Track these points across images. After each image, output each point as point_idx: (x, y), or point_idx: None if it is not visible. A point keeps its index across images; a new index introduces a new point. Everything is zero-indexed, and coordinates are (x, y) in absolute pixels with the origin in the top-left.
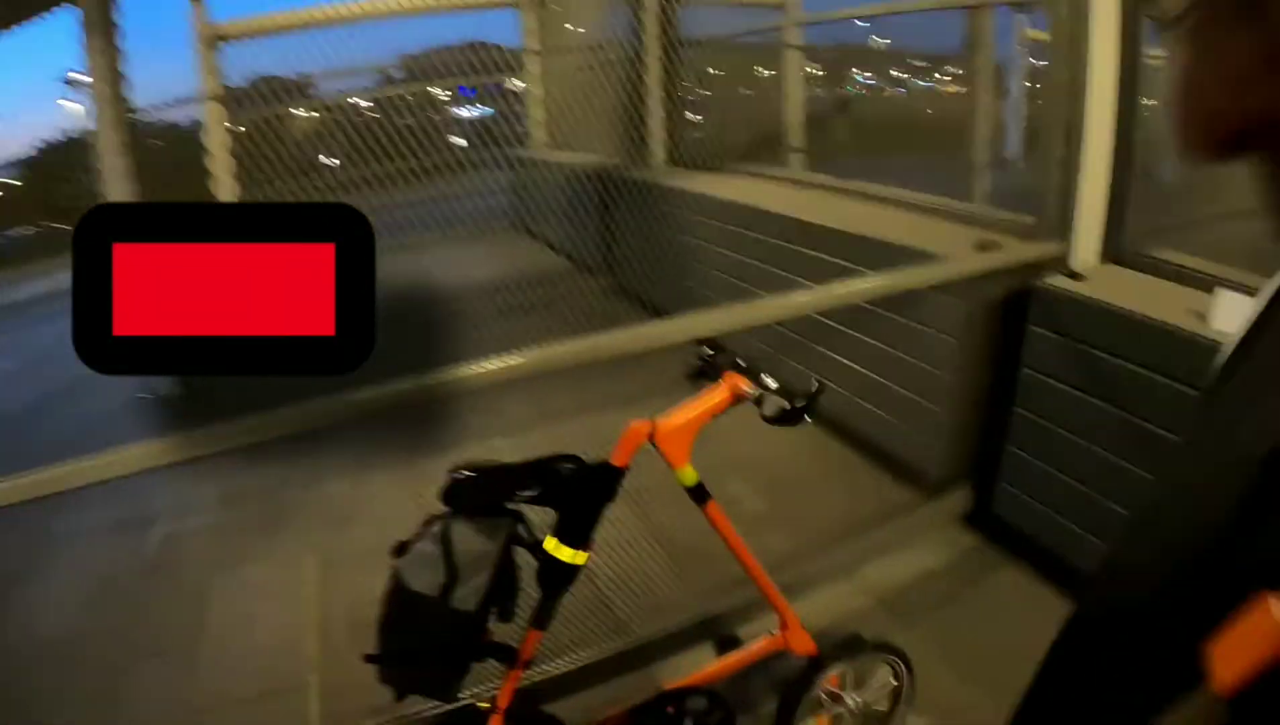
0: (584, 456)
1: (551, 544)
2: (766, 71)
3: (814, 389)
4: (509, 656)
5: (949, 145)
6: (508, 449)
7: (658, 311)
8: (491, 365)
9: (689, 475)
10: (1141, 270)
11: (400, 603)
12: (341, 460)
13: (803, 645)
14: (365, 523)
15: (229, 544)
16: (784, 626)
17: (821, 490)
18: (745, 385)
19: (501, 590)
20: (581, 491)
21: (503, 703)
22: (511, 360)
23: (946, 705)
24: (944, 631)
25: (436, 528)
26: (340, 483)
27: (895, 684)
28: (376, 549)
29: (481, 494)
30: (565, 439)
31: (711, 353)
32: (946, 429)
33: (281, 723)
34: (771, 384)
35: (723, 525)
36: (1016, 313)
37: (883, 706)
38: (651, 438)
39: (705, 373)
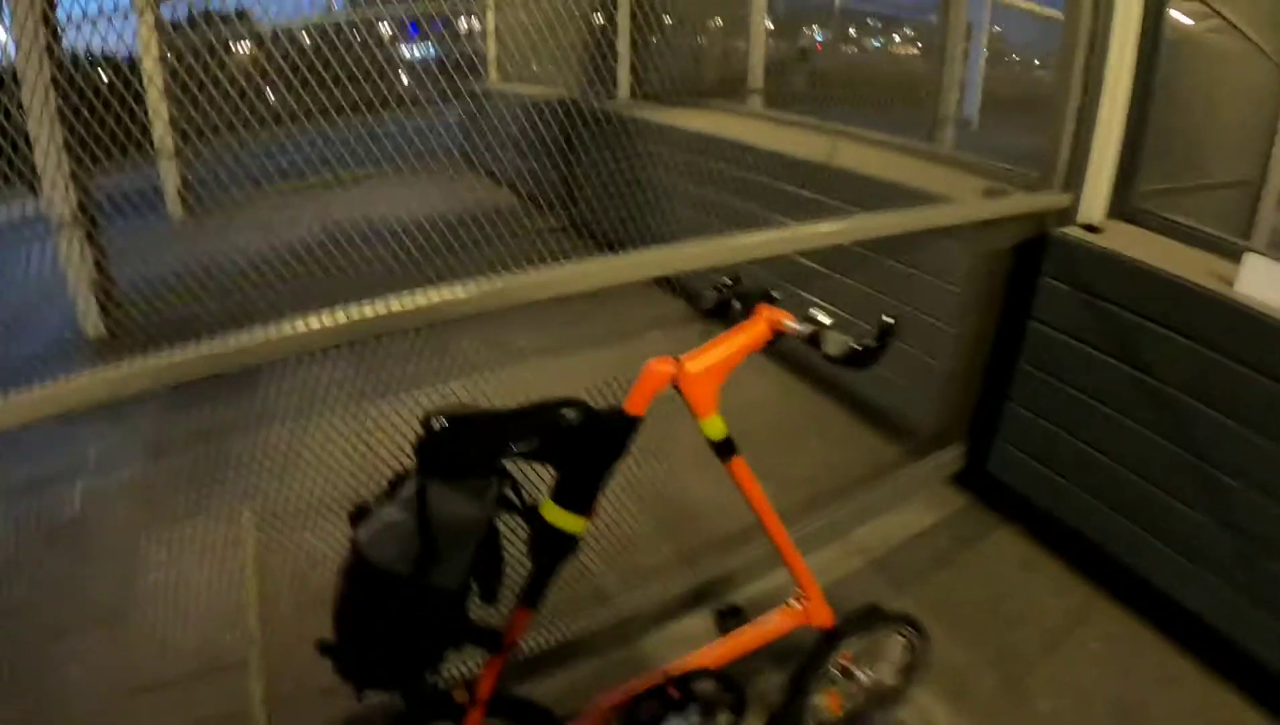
0: (591, 402)
1: (549, 508)
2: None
3: (887, 325)
4: (493, 641)
5: (905, 101)
6: (464, 392)
7: (618, 250)
8: (435, 297)
9: (716, 426)
10: (1150, 229)
11: (363, 581)
12: (280, 404)
13: (823, 619)
14: (307, 473)
15: (156, 501)
16: (805, 599)
17: (801, 444)
18: (788, 320)
19: (487, 564)
20: (589, 445)
21: (483, 693)
22: (458, 292)
23: (947, 672)
24: (939, 596)
25: (408, 490)
26: (279, 429)
27: (908, 657)
28: (321, 502)
29: (467, 448)
30: (528, 382)
31: (730, 283)
32: (942, 383)
33: (219, 707)
34: (826, 319)
35: (749, 485)
36: (1025, 264)
37: (891, 680)
38: (675, 381)
39: (724, 308)
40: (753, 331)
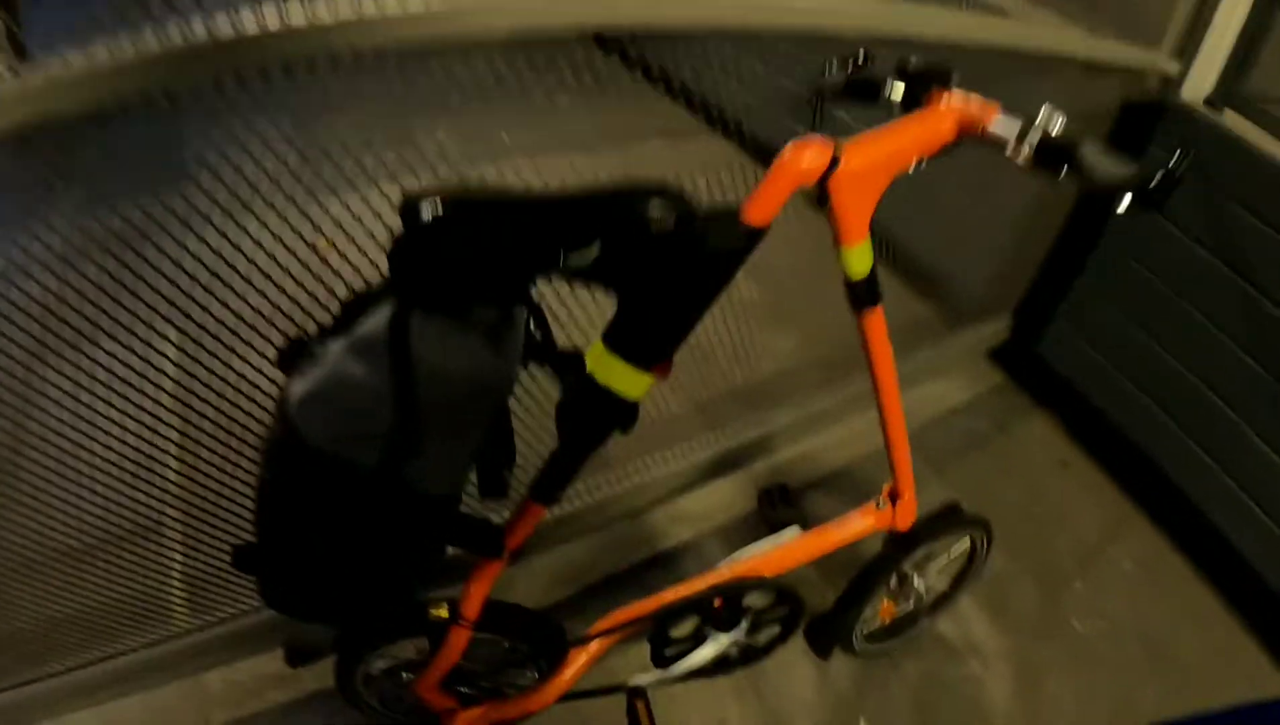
0: (687, 195)
1: (601, 358)
2: None
3: (1182, 155)
4: (491, 544)
5: None
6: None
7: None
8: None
9: (862, 257)
10: (1258, 124)
11: (295, 469)
12: (210, 196)
13: (907, 522)
14: (239, 282)
15: (57, 324)
16: (895, 497)
17: (827, 295)
18: (997, 115)
19: (495, 444)
20: (682, 263)
21: (471, 609)
22: None
23: (987, 579)
24: (975, 486)
25: (373, 324)
26: (207, 228)
27: (965, 563)
28: (256, 317)
29: (478, 256)
30: (512, 183)
31: (866, 57)
32: (1000, 248)
33: (128, 585)
34: (1059, 119)
35: (882, 347)
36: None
37: (944, 586)
38: (824, 179)
39: (864, 89)
40: (932, 125)
